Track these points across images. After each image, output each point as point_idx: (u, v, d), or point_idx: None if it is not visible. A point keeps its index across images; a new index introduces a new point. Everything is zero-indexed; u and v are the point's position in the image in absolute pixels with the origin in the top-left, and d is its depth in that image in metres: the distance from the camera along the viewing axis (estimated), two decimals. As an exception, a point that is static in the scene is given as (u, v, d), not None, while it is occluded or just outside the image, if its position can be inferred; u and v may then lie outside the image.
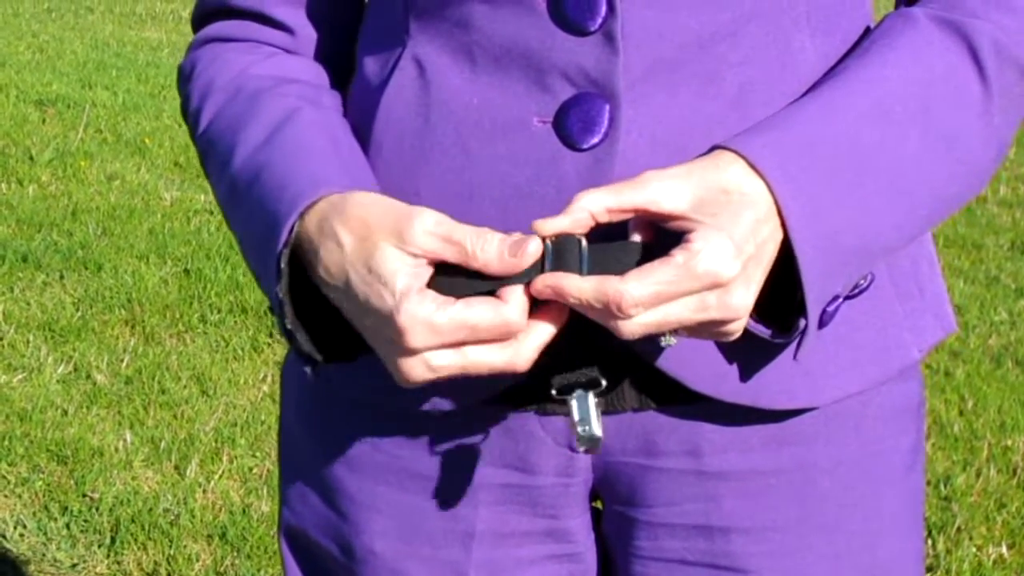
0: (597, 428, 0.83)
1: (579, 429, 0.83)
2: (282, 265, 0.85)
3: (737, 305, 0.78)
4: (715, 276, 0.77)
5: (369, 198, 0.84)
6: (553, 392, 0.85)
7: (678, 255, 0.77)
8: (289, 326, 0.86)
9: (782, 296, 0.83)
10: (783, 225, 0.80)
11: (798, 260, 0.80)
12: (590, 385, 0.84)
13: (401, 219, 0.81)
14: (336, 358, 0.89)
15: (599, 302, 0.77)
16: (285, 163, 0.89)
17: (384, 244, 0.81)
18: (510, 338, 0.80)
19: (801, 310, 0.82)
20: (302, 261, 0.87)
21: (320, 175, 0.87)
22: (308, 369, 0.88)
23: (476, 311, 0.79)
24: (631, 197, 0.79)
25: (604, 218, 0.80)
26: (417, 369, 0.81)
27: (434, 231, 0.80)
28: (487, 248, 0.79)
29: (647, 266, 0.77)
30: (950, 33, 0.87)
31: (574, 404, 0.84)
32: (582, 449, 0.83)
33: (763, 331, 0.84)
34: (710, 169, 0.80)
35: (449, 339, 0.79)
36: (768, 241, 0.80)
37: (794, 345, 0.84)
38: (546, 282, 0.78)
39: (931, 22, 0.88)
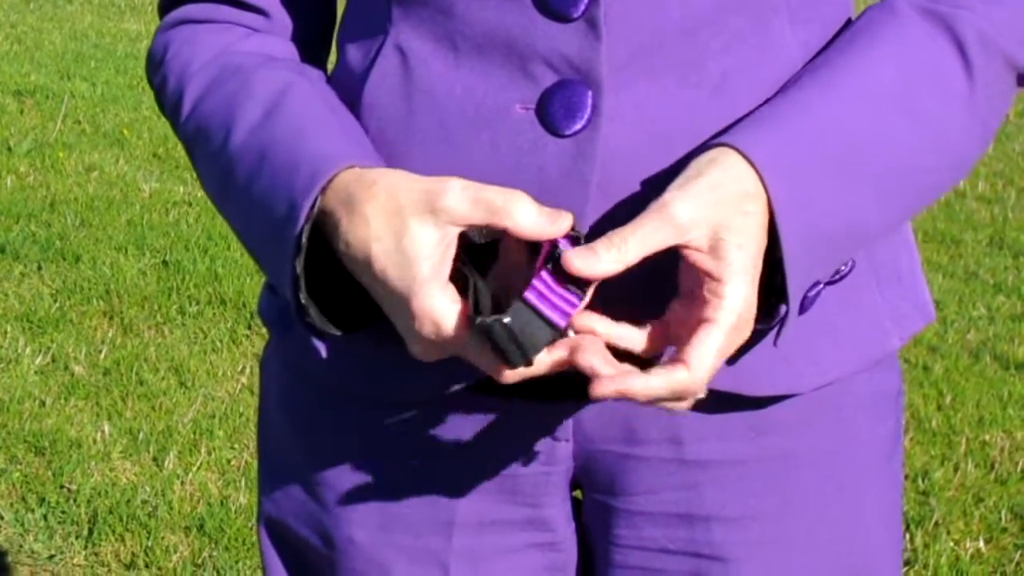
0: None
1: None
2: (303, 241, 0.84)
3: (751, 318, 0.81)
4: (751, 322, 0.80)
5: (396, 174, 0.84)
6: (476, 321, 0.80)
7: (721, 317, 0.78)
8: (303, 301, 0.86)
9: (762, 278, 0.83)
10: (770, 213, 0.81)
11: (783, 249, 0.80)
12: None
13: (432, 192, 0.81)
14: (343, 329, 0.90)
15: (673, 396, 0.79)
16: (290, 141, 0.89)
17: (414, 222, 0.81)
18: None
19: (782, 296, 0.82)
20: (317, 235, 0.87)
21: (331, 151, 0.87)
22: (320, 344, 0.91)
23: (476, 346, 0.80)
24: (660, 239, 0.79)
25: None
26: (424, 349, 0.82)
27: (462, 194, 0.80)
28: (518, 208, 0.79)
29: (700, 342, 0.78)
30: (935, 24, 0.87)
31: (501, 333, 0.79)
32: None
33: None
34: (722, 183, 0.80)
35: (448, 348, 0.81)
36: (764, 237, 0.81)
37: (774, 332, 0.84)
38: (608, 388, 0.77)
39: (915, 13, 0.88)
